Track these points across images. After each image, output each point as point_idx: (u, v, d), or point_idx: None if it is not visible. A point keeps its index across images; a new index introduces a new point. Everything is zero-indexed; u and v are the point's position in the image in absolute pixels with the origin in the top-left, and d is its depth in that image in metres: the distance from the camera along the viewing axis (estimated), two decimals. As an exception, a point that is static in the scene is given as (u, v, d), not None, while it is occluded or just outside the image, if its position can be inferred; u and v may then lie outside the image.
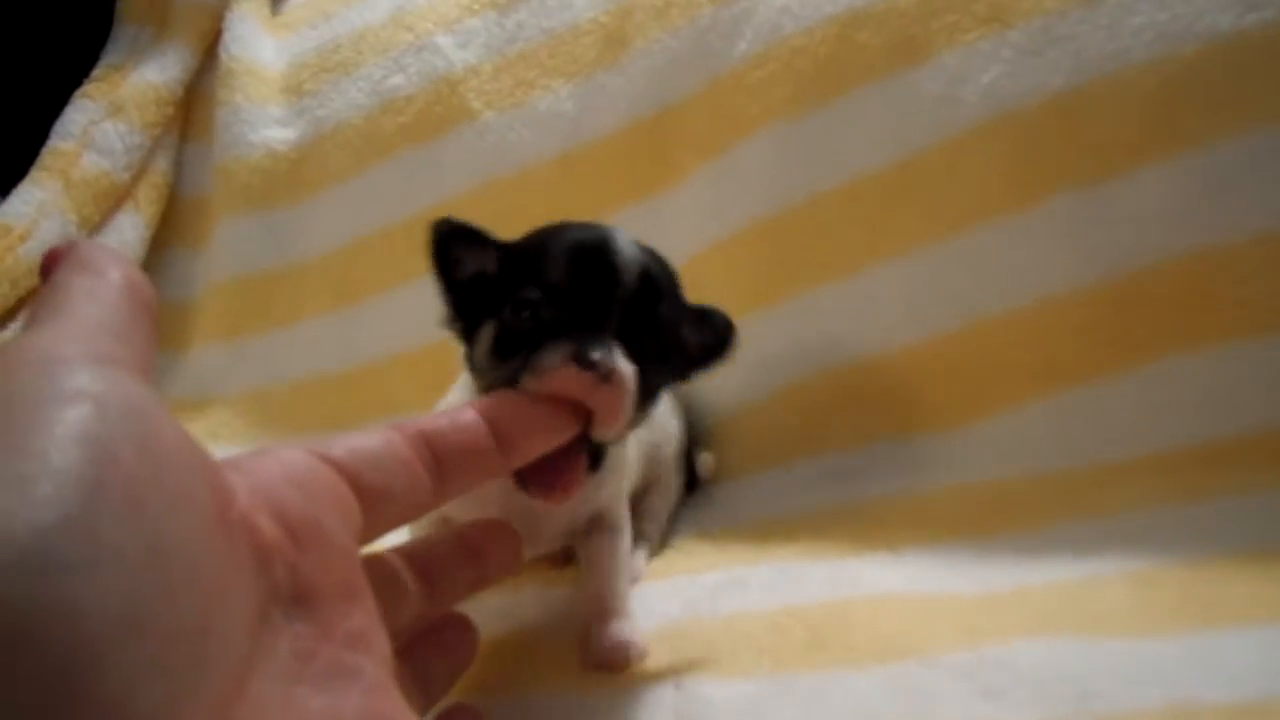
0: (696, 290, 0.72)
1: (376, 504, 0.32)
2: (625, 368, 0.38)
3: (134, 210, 1.02)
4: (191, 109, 1.11)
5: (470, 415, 0.36)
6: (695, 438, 0.71)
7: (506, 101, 0.85)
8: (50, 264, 0.28)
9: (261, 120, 1.01)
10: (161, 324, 1.03)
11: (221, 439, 0.91)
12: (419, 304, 0.87)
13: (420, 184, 0.89)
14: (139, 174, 1.03)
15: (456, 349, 0.83)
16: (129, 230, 1.01)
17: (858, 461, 0.63)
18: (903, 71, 0.64)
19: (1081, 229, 0.59)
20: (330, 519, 0.30)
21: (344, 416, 0.87)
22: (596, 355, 0.37)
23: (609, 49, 0.80)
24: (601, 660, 0.44)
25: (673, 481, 0.64)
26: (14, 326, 0.86)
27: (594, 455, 0.42)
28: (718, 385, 0.70)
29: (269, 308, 0.96)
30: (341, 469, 0.31)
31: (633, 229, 0.76)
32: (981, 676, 0.39)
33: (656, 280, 0.42)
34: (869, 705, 0.38)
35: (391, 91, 0.92)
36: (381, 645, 0.30)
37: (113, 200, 0.99)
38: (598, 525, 0.49)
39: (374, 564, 0.35)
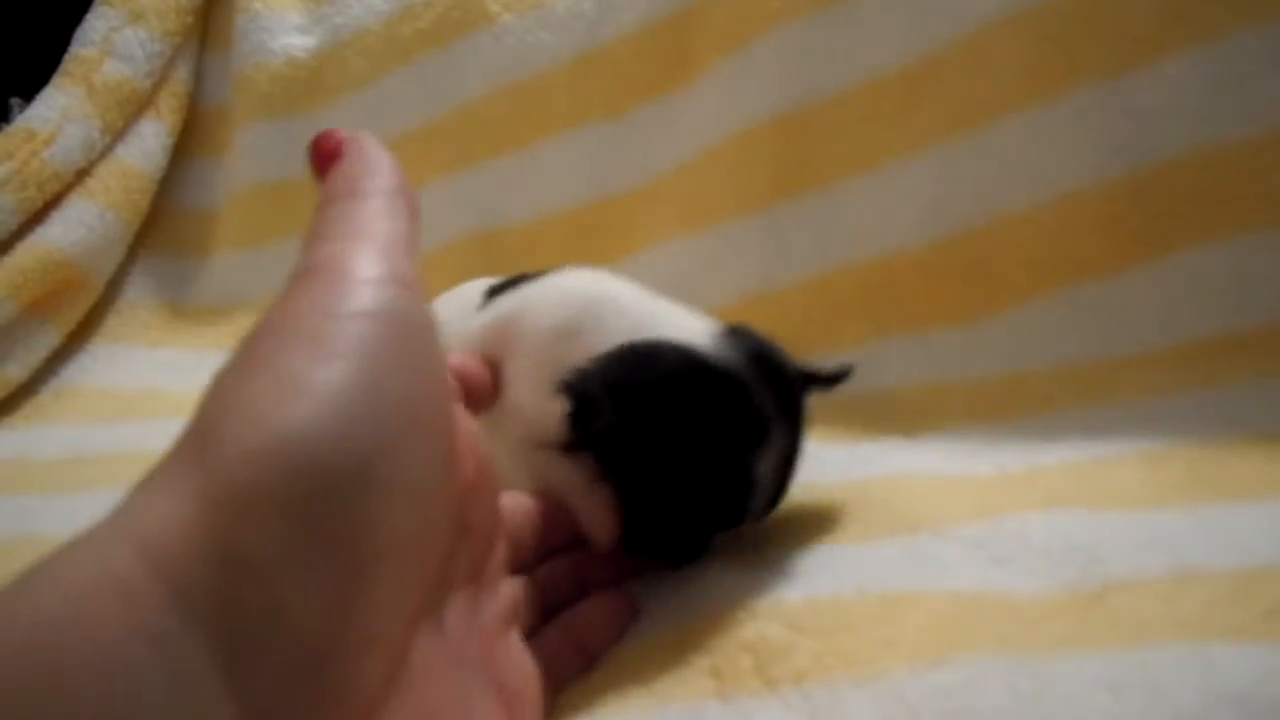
0: (712, 182, 0.73)
1: None
2: None
3: (156, 118, 1.03)
4: (210, 18, 1.10)
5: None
6: None
7: (524, 4, 0.85)
8: (327, 149, 0.31)
9: (281, 28, 1.00)
10: (185, 233, 1.06)
11: (246, 343, 0.92)
12: (439, 207, 0.88)
13: (440, 89, 0.89)
14: (160, 82, 1.03)
15: (467, 247, 0.84)
16: (151, 138, 1.02)
17: (873, 354, 0.63)
18: (925, -35, 0.63)
19: (1102, 122, 0.58)
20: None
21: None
22: None
23: (627, -52, 0.79)
24: None
25: None
26: (41, 229, 0.88)
27: None
28: (733, 276, 0.71)
29: (291, 214, 0.96)
30: None
31: (652, 127, 0.77)
32: (993, 546, 0.40)
33: None
34: (884, 571, 0.39)
35: (410, -3, 0.92)
36: (507, 588, 0.34)
37: (135, 107, 0.99)
38: None
39: None
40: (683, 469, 0.37)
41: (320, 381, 0.22)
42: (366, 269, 0.25)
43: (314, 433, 0.21)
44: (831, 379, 0.45)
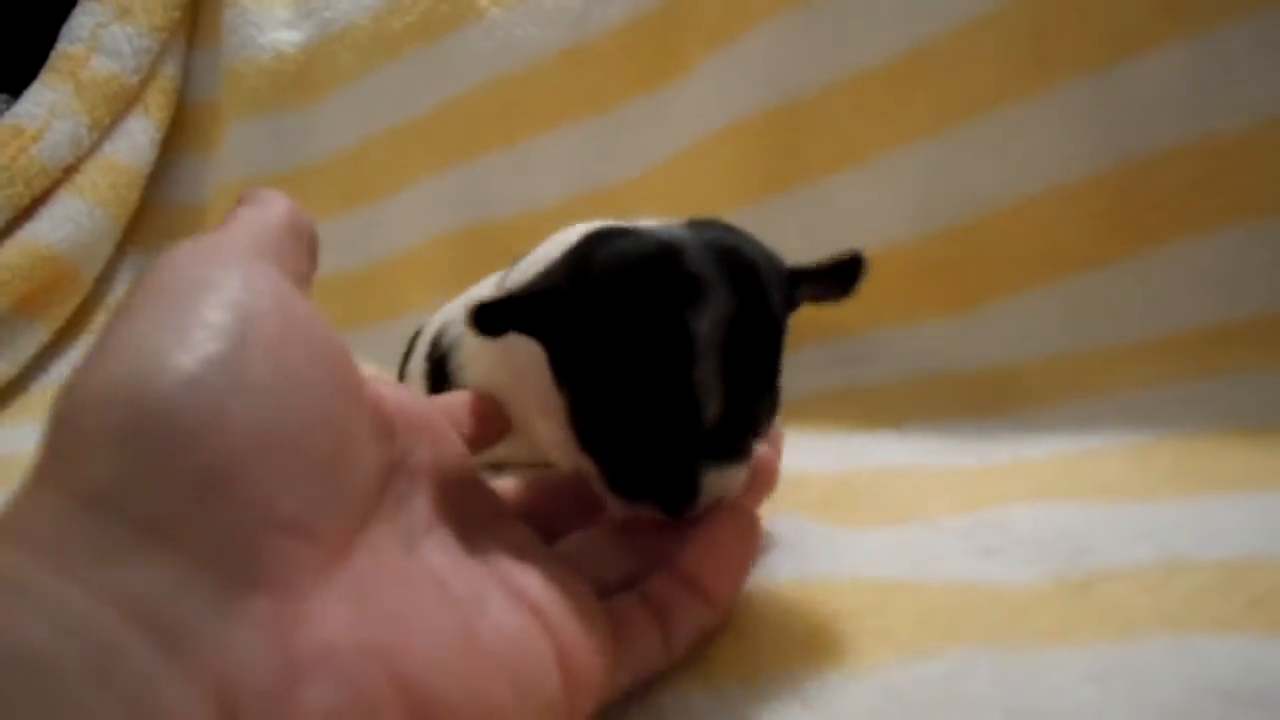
0: (702, 175, 0.73)
1: None
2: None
3: (144, 114, 1.02)
4: (199, 14, 1.10)
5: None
6: None
7: (513, -2, 0.84)
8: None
9: (269, 23, 1.00)
10: (174, 229, 1.05)
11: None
12: (428, 202, 0.88)
13: (428, 83, 0.89)
14: (148, 78, 1.03)
15: (457, 241, 0.84)
16: (139, 134, 1.01)
17: (866, 347, 0.64)
18: (915, -43, 0.63)
19: (1091, 115, 0.59)
20: (439, 419, 0.34)
21: (355, 315, 0.88)
22: None
23: (616, -59, 0.79)
24: None
25: None
26: (29, 225, 0.87)
27: None
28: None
29: (280, 210, 0.96)
30: None
31: (640, 121, 0.77)
32: (980, 537, 0.40)
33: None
34: (875, 560, 0.39)
35: (398, -9, 0.91)
36: (515, 532, 0.34)
37: (123, 103, 0.99)
38: None
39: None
40: (619, 329, 0.34)
41: (126, 332, 0.24)
42: (219, 249, 0.27)
43: (122, 367, 0.23)
44: (838, 272, 0.40)
